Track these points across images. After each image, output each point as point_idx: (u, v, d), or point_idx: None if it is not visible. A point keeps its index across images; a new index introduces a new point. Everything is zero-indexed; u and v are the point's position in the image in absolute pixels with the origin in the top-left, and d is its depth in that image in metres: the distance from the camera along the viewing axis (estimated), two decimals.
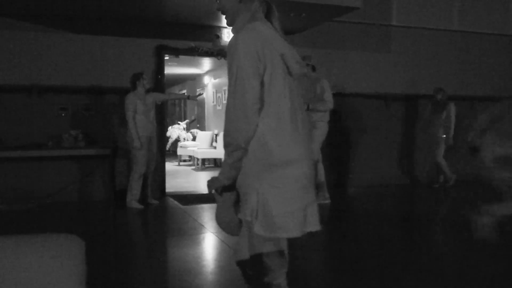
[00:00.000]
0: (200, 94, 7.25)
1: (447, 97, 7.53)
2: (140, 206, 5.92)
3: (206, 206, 6.05)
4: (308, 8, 6.00)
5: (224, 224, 2.01)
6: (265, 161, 1.79)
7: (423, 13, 8.25)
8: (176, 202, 6.38)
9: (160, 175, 6.85)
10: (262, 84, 1.79)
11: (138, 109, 5.84)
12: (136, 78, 5.91)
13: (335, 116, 6.77)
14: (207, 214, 5.60)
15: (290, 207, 1.82)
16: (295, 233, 1.84)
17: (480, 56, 8.75)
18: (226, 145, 1.84)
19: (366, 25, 7.86)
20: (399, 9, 8.10)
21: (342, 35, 7.74)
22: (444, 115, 7.43)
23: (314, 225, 1.91)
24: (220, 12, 1.98)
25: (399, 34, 8.15)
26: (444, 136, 7.41)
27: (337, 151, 7.67)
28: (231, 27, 1.94)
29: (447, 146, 7.47)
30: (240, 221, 1.95)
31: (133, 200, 5.93)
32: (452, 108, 7.44)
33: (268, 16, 1.94)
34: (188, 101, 14.21)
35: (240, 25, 1.88)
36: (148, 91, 6.04)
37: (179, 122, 13.76)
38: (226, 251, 3.96)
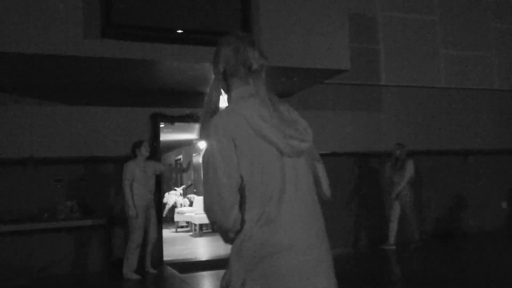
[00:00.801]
0: (189, 162, 7.33)
1: (407, 153, 7.38)
2: (137, 277, 5.77)
3: (205, 274, 5.93)
4: (299, 72, 6.17)
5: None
6: (253, 250, 1.59)
7: (410, 72, 8.48)
8: (174, 271, 6.25)
9: (158, 243, 6.74)
10: (244, 170, 1.61)
11: (137, 177, 5.85)
12: (136, 146, 5.98)
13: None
14: (206, 282, 5.47)
15: None
16: None
17: (468, 111, 8.91)
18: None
19: (355, 85, 8.06)
20: (386, 69, 8.32)
21: (333, 96, 7.91)
22: (407, 172, 7.21)
23: None
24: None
25: (388, 93, 8.33)
26: (407, 194, 7.20)
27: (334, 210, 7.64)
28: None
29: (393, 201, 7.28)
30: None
31: (129, 271, 5.80)
32: (410, 165, 7.24)
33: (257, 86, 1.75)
34: (184, 166, 14.26)
35: (230, 101, 1.75)
36: (147, 159, 6.07)
37: (175, 188, 13.71)
38: None
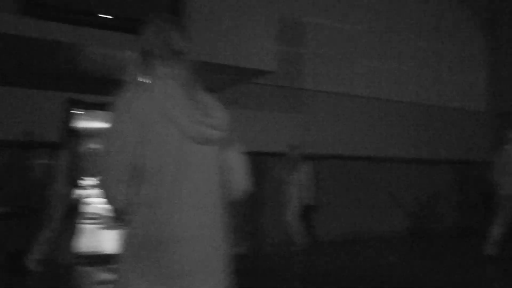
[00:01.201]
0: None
1: (301, 155, 7.48)
2: (40, 269, 5.49)
3: (111, 267, 5.75)
4: (225, 70, 6.14)
5: None
6: (142, 235, 1.54)
7: (332, 78, 8.78)
8: (81, 264, 6.01)
9: (68, 235, 6.44)
10: (144, 152, 1.57)
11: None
12: (71, 134, 6.00)
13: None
14: (111, 275, 5.31)
15: None
16: None
17: (381, 120, 9.39)
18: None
19: (280, 87, 8.21)
20: (311, 74, 8.56)
21: (258, 96, 8.00)
22: (300, 174, 7.34)
23: None
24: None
25: (311, 97, 8.56)
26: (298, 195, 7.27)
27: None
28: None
29: (303, 206, 7.36)
30: None
31: (33, 261, 5.50)
32: (306, 167, 7.40)
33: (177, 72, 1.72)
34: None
35: (135, 82, 1.73)
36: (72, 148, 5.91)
37: (87, 179, 13.16)
38: None
